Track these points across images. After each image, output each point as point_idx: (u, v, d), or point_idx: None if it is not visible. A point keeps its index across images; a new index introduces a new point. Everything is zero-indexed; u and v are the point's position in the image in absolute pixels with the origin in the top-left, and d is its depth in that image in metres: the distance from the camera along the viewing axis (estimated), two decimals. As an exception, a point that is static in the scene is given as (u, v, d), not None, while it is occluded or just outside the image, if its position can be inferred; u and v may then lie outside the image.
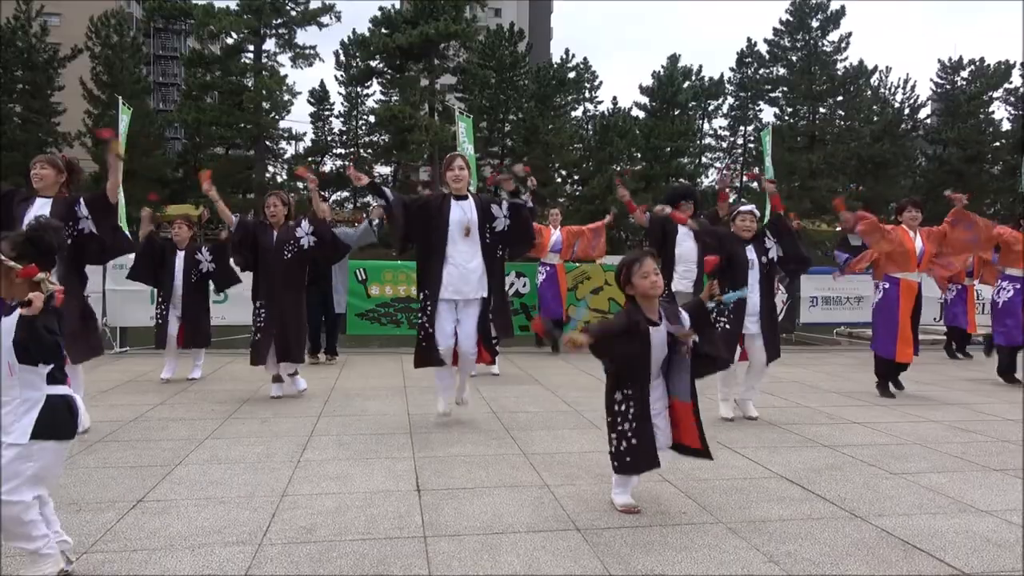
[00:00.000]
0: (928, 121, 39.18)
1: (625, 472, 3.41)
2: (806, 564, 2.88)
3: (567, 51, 39.72)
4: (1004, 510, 3.54)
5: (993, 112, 38.46)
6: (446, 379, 5.24)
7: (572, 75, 38.74)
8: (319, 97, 39.19)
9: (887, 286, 6.55)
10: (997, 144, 36.89)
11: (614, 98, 40.99)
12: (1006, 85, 38.39)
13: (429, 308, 5.02)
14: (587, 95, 39.64)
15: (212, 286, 7.27)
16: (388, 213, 5.15)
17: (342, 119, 39.27)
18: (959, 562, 2.91)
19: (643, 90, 38.59)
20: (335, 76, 38.61)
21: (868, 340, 11.47)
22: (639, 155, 37.17)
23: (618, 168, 35.73)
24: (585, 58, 40.67)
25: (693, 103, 38.35)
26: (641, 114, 38.32)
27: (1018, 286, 7.35)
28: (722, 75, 38.96)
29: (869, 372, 6.96)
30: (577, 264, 9.94)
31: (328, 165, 38.85)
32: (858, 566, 2.87)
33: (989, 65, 38.22)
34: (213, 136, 35.41)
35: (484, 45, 36.48)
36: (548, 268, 9.27)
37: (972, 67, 38.59)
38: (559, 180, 38.13)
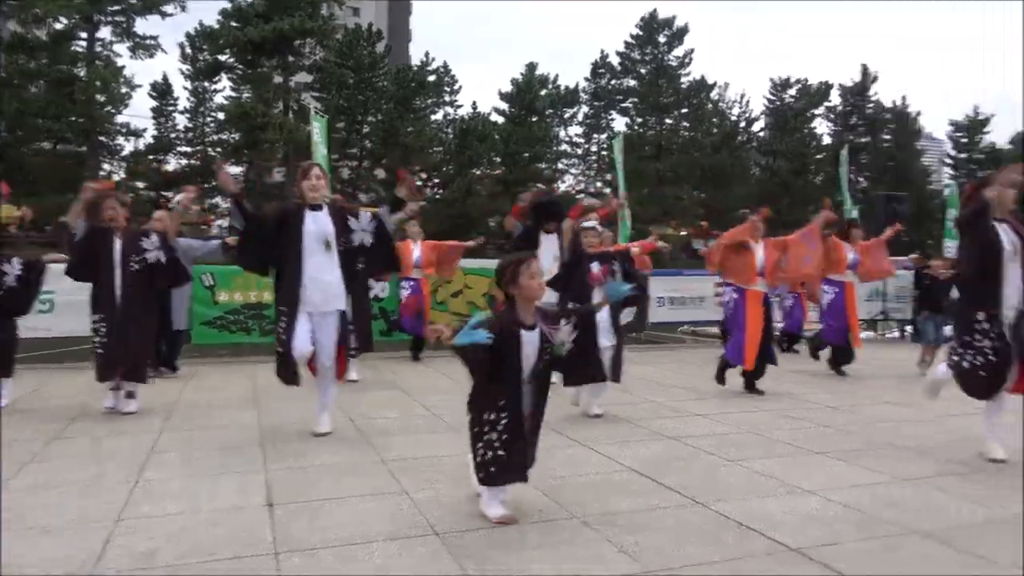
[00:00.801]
0: (761, 134, 42.45)
1: (489, 484, 3.36)
2: (652, 551, 3.03)
3: (427, 54, 39.56)
4: (825, 489, 3.89)
5: (815, 127, 42.39)
6: (323, 395, 5.08)
7: (432, 78, 38.71)
8: (161, 91, 36.75)
9: (735, 296, 6.98)
10: (819, 157, 40.59)
11: (474, 103, 41.39)
12: (826, 103, 42.45)
13: (284, 322, 4.80)
14: (447, 99, 39.74)
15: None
16: (242, 238, 4.88)
17: (187, 115, 37.04)
18: (787, 539, 3.17)
19: (502, 96, 39.23)
20: (180, 69, 36.33)
21: (710, 337, 12.28)
22: (498, 159, 37.71)
23: (478, 172, 36.12)
24: (445, 62, 40.77)
25: (550, 110, 39.43)
26: (500, 119, 38.92)
27: (838, 289, 8.11)
28: (577, 84, 40.34)
29: (711, 367, 7.42)
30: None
31: (172, 163, 36.51)
32: (699, 549, 3.05)
33: (812, 85, 42.02)
34: (38, 129, 32.26)
35: (342, 44, 35.66)
36: (412, 283, 9.06)
37: (798, 86, 42.26)
38: (419, 183, 37.99)
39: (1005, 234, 4.40)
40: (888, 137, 42.72)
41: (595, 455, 4.58)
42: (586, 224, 5.86)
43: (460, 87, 39.62)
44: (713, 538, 3.19)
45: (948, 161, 47.27)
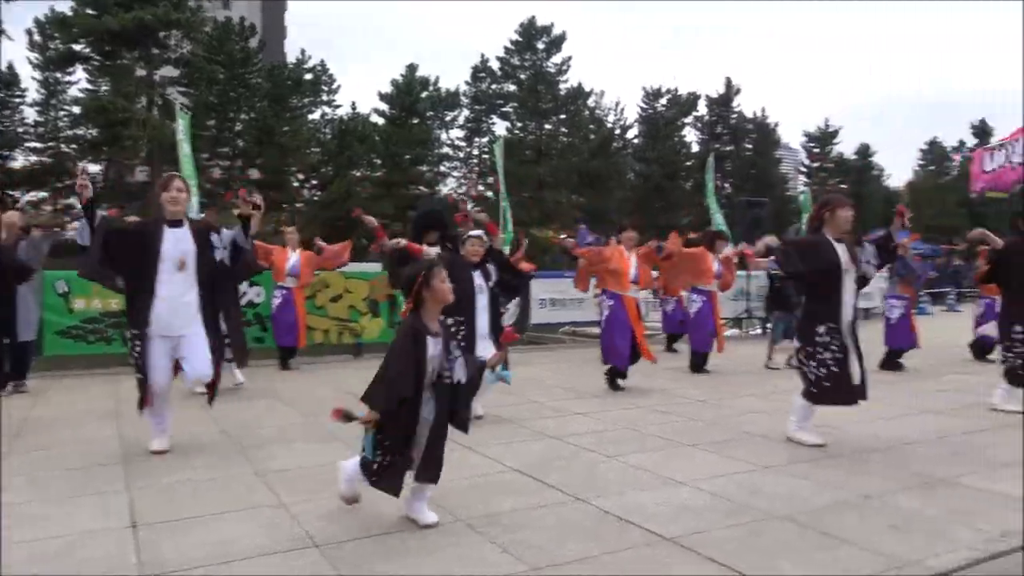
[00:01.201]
0: (635, 141, 44.12)
1: (377, 486, 3.35)
2: (535, 550, 3.08)
3: (303, 51, 38.39)
4: (695, 479, 4.09)
5: (685, 136, 44.54)
6: (161, 420, 4.78)
7: (309, 76, 37.62)
8: (7, 81, 33.65)
9: (611, 303, 7.22)
10: (689, 164, 42.66)
11: (353, 103, 40.50)
12: (694, 113, 44.73)
13: (139, 347, 4.49)
14: (325, 98, 38.72)
15: None
16: (85, 248, 4.48)
17: (38, 108, 34.13)
18: (662, 529, 3.30)
19: (382, 97, 38.69)
20: (28, 58, 33.42)
21: (590, 338, 12.62)
22: (379, 161, 37.16)
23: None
24: (323, 60, 39.51)
25: (431, 112, 39.29)
26: (380, 120, 38.36)
27: (705, 298, 8.57)
28: (458, 87, 40.40)
29: (590, 366, 7.64)
30: (317, 273, 9.62)
31: (19, 160, 33.53)
32: (579, 544, 3.13)
33: (681, 95, 44.12)
34: None
35: (211, 38, 33.98)
36: (284, 292, 8.70)
37: (668, 96, 44.25)
38: (296, 184, 36.80)
39: (842, 254, 4.82)
40: (750, 146, 45.47)
41: (478, 457, 4.61)
42: (472, 233, 5.84)
43: (338, 86, 38.74)
44: (593, 533, 3.28)
45: (803, 169, 50.95)
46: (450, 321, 5.57)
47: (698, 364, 8.70)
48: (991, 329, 9.08)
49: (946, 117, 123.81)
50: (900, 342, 8.81)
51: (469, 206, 7.29)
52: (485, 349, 5.63)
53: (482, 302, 5.61)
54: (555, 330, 12.71)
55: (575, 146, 39.07)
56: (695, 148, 43.61)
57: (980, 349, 9.58)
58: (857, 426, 5.48)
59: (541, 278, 12.40)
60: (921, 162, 53.13)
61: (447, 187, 39.48)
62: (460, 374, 3.39)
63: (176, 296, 4.50)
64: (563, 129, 40.15)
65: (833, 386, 4.76)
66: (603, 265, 7.28)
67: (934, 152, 52.78)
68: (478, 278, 5.64)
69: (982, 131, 52.10)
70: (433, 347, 3.31)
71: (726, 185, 42.49)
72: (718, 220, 14.29)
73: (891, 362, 8.75)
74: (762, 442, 5.02)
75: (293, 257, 8.76)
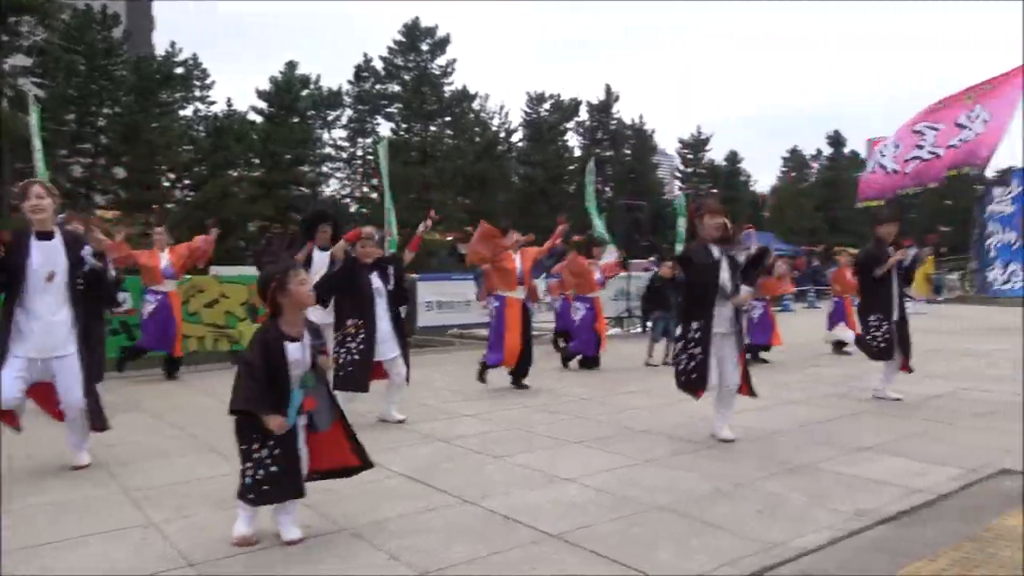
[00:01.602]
0: (520, 145, 44.73)
1: (262, 503, 3.16)
2: (423, 554, 3.06)
3: (173, 44, 36.33)
4: (580, 476, 4.19)
5: (568, 140, 45.60)
6: (72, 434, 4.43)
7: (179, 70, 35.69)
8: None
9: (496, 304, 7.32)
10: (572, 168, 43.70)
11: (228, 99, 38.56)
12: (576, 118, 45.87)
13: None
14: (197, 94, 36.85)
15: None
16: None
17: None
18: (548, 527, 3.36)
19: (260, 94, 37.24)
20: None
21: (478, 339, 12.66)
22: (257, 160, 35.77)
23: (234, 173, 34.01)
24: (195, 54, 37.55)
25: (312, 111, 38.22)
26: (259, 118, 36.93)
27: (589, 305, 8.89)
28: (340, 87, 39.52)
29: (479, 368, 7.64)
30: (188, 276, 9.14)
31: None
32: (467, 546, 3.14)
33: (564, 100, 45.14)
34: None
35: (69, 26, 31.60)
36: (158, 297, 8.08)
37: (551, 100, 45.15)
38: (167, 184, 34.83)
39: (721, 258, 5.04)
40: (629, 151, 47.14)
41: (365, 464, 4.52)
42: (364, 232, 5.69)
43: (212, 82, 36.97)
44: (480, 534, 3.29)
45: (678, 175, 53.37)
46: (349, 323, 5.46)
47: (588, 364, 9.03)
48: (841, 332, 9.94)
49: (805, 128, 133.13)
50: (760, 339, 9.39)
51: (365, 231, 7.05)
52: (389, 351, 5.54)
53: (381, 304, 5.51)
54: (443, 332, 12.67)
55: (460, 148, 39.13)
56: (577, 152, 44.68)
57: (839, 343, 10.33)
58: (729, 418, 5.79)
59: (427, 280, 12.35)
60: (783, 169, 56.88)
61: (330, 188, 38.54)
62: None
63: (46, 315, 4.13)
64: (448, 131, 40.11)
65: (697, 377, 4.97)
66: (500, 264, 7.31)
67: (795, 160, 56.62)
68: (376, 280, 5.52)
69: (836, 141, 56.42)
70: (295, 352, 3.16)
71: (607, 189, 43.80)
72: (598, 224, 14.70)
73: (753, 357, 9.30)
74: (644, 437, 5.21)
75: (164, 258, 8.20)
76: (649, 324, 10.77)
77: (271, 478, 3.12)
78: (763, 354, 9.47)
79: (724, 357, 5.05)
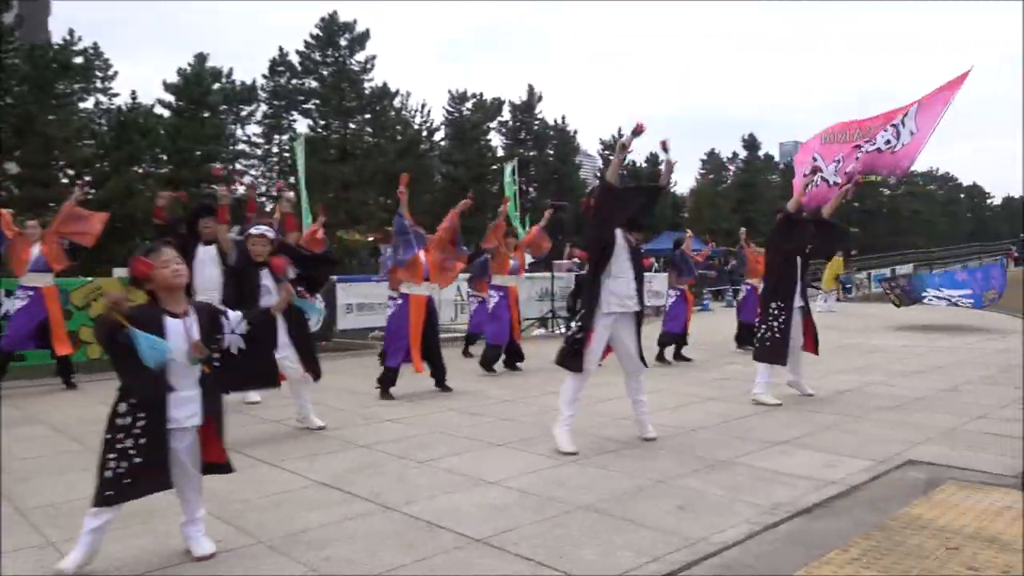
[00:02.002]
0: (442, 144, 44.55)
1: (121, 500, 2.90)
2: (344, 564, 2.99)
3: (72, 32, 34.48)
4: (505, 479, 4.19)
5: (491, 140, 45.73)
6: None
7: (79, 60, 33.91)
8: None
9: (399, 301, 7.13)
10: (495, 167, 43.85)
11: (133, 92, 36.82)
12: (499, 118, 46.07)
13: None
14: (99, 85, 35.10)
15: None
16: None
17: None
18: (472, 531, 3.35)
19: (168, 87, 35.79)
20: None
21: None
22: (165, 157, 34.36)
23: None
24: (96, 43, 35.76)
25: (224, 106, 37.00)
26: (166, 113, 35.47)
27: (503, 293, 8.79)
28: (254, 81, 38.40)
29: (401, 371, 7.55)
30: (90, 279, 8.67)
31: None
32: (391, 554, 3.09)
33: (486, 100, 45.23)
34: None
35: (-49, 9, 29.60)
36: (31, 292, 7.52)
37: (474, 99, 45.18)
38: (65, 180, 33.03)
39: (623, 240, 5.05)
40: (551, 152, 47.65)
41: (280, 472, 4.40)
42: (254, 231, 5.47)
43: (115, 73, 35.32)
44: (404, 541, 3.25)
45: (599, 175, 54.21)
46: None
47: (490, 360, 8.74)
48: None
49: (721, 131, 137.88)
50: (673, 327, 9.58)
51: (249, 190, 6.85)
52: (286, 358, 5.37)
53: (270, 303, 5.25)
54: (364, 335, 12.47)
55: (381, 147, 38.69)
56: (500, 152, 44.86)
57: (741, 337, 10.60)
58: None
59: (347, 281, 12.14)
60: (702, 171, 58.73)
61: (243, 187, 37.36)
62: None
63: None
64: (368, 129, 39.59)
65: (579, 354, 4.92)
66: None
67: (712, 162, 58.54)
68: (265, 278, 5.34)
69: (752, 144, 58.64)
70: (175, 327, 2.95)
71: (530, 189, 44.16)
72: (517, 225, 14.78)
73: (665, 343, 9.51)
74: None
75: (35, 249, 7.55)
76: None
77: (134, 471, 2.87)
78: (675, 345, 9.61)
79: (620, 338, 5.05)
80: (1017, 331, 13.00)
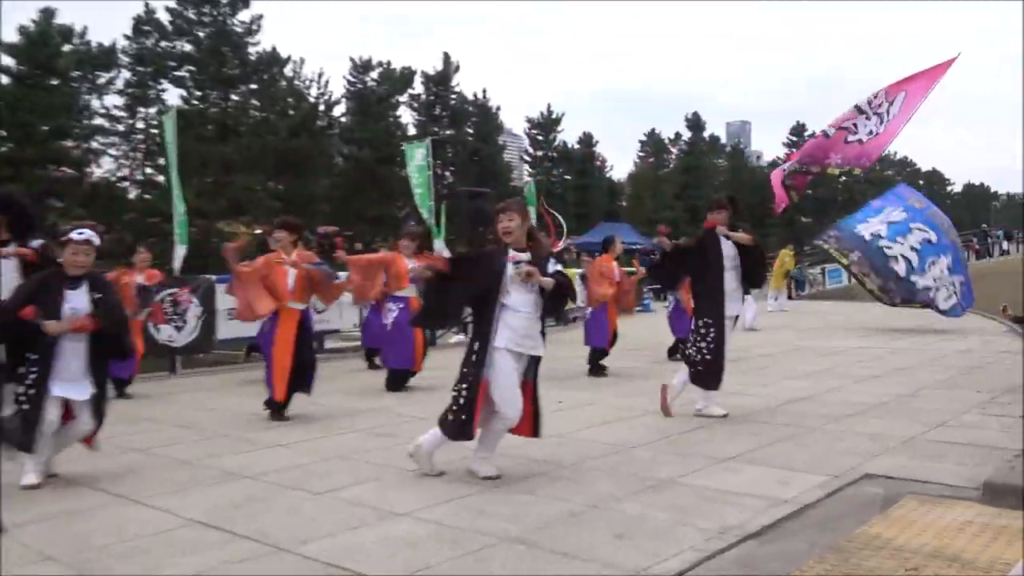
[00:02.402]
0: (343, 120, 43.95)
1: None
2: (224, 618, 2.91)
3: None
4: (417, 509, 4.16)
5: (400, 116, 45.36)
6: None
7: None
8: None
9: (268, 320, 6.95)
10: (404, 147, 43.61)
11: (-40, 54, 34.98)
12: (410, 91, 45.74)
13: None
14: (-83, 45, 33.18)
15: None
16: None
17: None
18: (379, 570, 3.31)
19: (6, 48, 34.08)
20: None
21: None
22: (3, 133, 32.71)
23: None
24: (-91, -8, 33.78)
25: (77, 72, 35.48)
26: (5, 79, 33.79)
27: (403, 305, 8.56)
28: (114, 43, 36.97)
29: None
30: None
31: None
32: (281, 605, 3.02)
33: (395, 69, 44.87)
34: None
35: None
36: None
37: (380, 69, 44.76)
38: None
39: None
40: (471, 130, 47.66)
41: (144, 510, 4.25)
42: (74, 236, 4.78)
43: (-63, 30, 33.38)
44: (297, 587, 3.18)
45: (527, 158, 54.65)
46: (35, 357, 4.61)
47: (396, 381, 8.53)
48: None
49: (663, 109, 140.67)
50: (595, 341, 9.60)
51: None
52: (77, 392, 4.74)
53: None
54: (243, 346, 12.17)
55: (270, 122, 37.80)
56: (412, 131, 44.52)
57: (673, 348, 10.77)
58: (580, 433, 5.99)
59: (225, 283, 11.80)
60: (641, 154, 59.90)
61: (102, 168, 35.99)
62: None
63: None
64: (255, 101, 38.63)
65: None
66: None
67: (653, 143, 59.78)
68: (76, 298, 4.73)
69: (696, 124, 60.17)
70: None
71: (447, 173, 43.97)
72: (425, 213, 14.65)
73: (593, 360, 9.61)
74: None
75: None
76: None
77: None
78: (599, 359, 9.59)
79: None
80: (978, 331, 13.80)
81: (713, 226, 6.71)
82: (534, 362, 4.89)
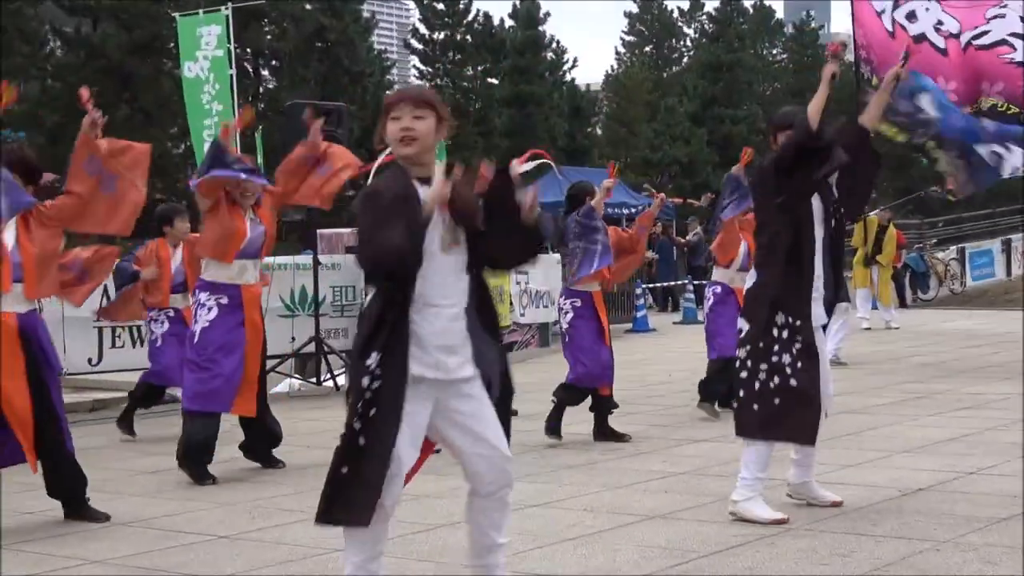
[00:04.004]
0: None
1: None
2: None
3: None
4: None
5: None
6: None
7: None
8: None
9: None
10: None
11: None
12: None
13: None
14: None
15: None
16: None
17: None
18: None
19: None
20: None
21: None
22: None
23: None
24: None
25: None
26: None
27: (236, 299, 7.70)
28: None
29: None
30: None
31: None
32: None
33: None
34: None
35: None
36: None
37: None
38: None
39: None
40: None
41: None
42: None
43: None
44: None
45: (416, 43, 35.76)
46: None
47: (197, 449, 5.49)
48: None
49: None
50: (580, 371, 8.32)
51: None
52: None
53: None
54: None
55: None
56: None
57: (709, 383, 9.32)
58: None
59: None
60: (629, 38, 42.06)
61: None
62: None
63: None
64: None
65: None
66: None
67: (650, 18, 42.57)
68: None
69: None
70: None
71: (266, 72, 31.04)
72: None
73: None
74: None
75: None
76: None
77: None
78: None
79: None
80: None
81: None
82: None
